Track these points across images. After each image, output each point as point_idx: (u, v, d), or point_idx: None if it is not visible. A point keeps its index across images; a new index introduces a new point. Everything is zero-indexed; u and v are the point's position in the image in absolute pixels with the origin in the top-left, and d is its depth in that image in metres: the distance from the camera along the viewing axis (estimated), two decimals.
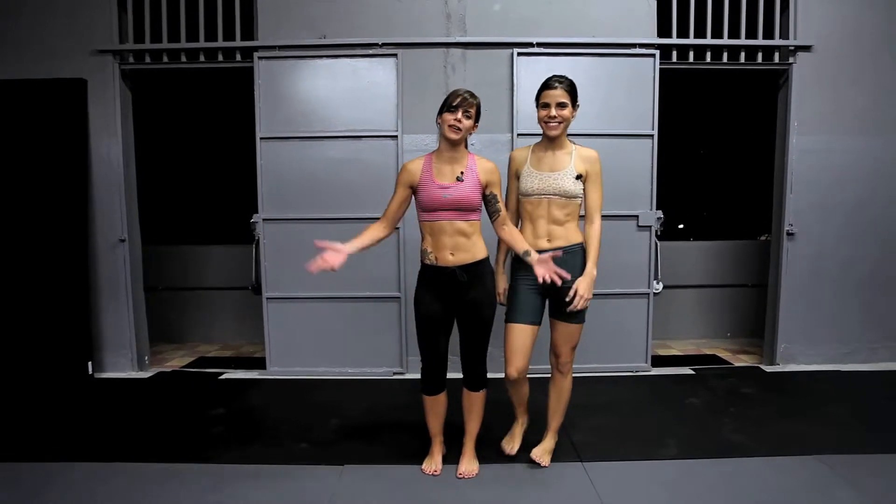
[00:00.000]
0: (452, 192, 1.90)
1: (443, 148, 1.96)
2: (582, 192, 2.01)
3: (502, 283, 2.17)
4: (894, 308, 3.43)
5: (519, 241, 1.97)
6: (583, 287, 1.95)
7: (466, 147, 2.03)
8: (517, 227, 2.10)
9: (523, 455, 2.18)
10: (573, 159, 2.01)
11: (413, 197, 2.02)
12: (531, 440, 2.21)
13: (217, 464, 2.17)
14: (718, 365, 3.56)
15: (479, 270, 1.96)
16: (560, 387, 2.14)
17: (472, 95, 1.92)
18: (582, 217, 2.06)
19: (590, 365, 3.27)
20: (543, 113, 1.99)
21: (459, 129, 1.89)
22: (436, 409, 2.08)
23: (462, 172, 1.93)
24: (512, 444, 2.20)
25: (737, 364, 3.57)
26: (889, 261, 3.41)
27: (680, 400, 2.86)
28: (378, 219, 2.05)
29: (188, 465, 2.16)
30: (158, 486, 1.99)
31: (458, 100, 1.88)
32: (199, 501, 1.89)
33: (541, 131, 3.11)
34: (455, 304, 1.98)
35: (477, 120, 1.96)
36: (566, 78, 2.01)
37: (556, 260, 1.89)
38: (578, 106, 2.04)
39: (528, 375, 2.13)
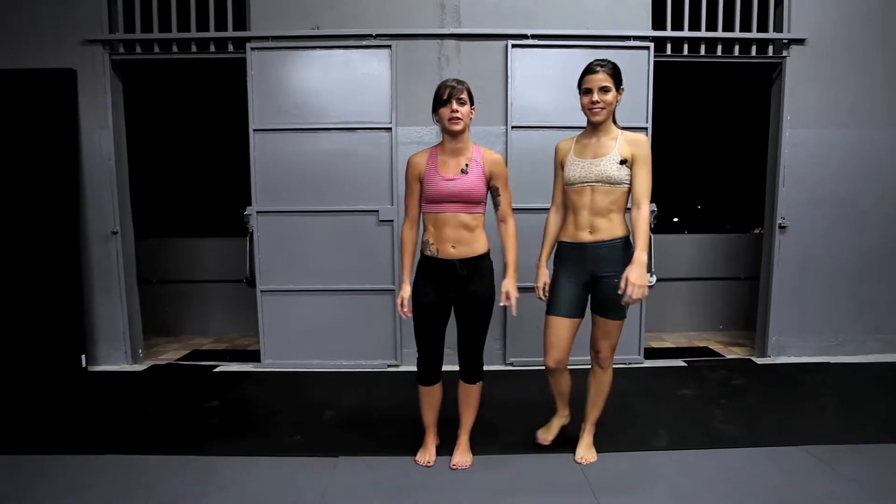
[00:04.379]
0: (457, 184, 1.90)
1: (446, 140, 1.95)
2: (627, 178, 1.92)
3: (542, 278, 2.11)
4: (883, 300, 3.47)
5: (509, 248, 1.99)
6: (633, 274, 1.81)
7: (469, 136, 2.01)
8: (565, 219, 2.07)
9: (517, 447, 2.21)
10: (618, 144, 1.93)
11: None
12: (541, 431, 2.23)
13: (211, 456, 2.17)
14: (710, 357, 3.59)
15: (479, 265, 1.96)
16: (599, 380, 2.12)
17: (459, 82, 1.90)
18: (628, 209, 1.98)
19: (584, 357, 3.29)
20: (586, 99, 1.92)
21: (459, 118, 1.87)
22: (431, 400, 2.08)
23: (467, 164, 1.92)
24: (546, 435, 2.22)
25: (728, 356, 3.60)
26: (879, 254, 3.44)
27: (672, 392, 2.89)
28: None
29: (182, 457, 2.16)
30: (153, 478, 1.99)
31: (448, 91, 1.86)
32: (194, 493, 1.90)
33: (534, 124, 3.19)
34: (454, 297, 1.99)
35: (472, 103, 1.94)
36: (609, 61, 1.92)
37: (595, 253, 1.94)
38: (623, 90, 1.95)
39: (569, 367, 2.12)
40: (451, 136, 1.92)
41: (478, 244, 1.96)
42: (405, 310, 1.98)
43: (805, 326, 3.47)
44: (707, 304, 4.33)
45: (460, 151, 1.94)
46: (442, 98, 1.87)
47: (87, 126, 3.26)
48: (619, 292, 1.84)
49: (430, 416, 2.12)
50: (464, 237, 1.92)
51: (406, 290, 1.98)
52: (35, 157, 3.17)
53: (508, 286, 1.95)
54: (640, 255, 1.84)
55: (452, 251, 1.93)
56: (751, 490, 1.90)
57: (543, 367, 2.18)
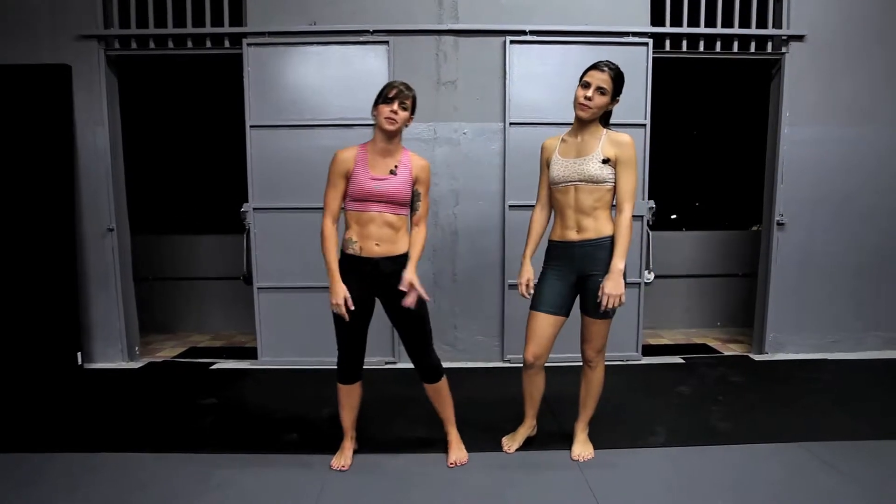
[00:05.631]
0: (385, 184, 1.89)
1: (378, 139, 1.94)
2: (611, 177, 1.92)
3: (526, 274, 2.07)
4: (880, 297, 3.48)
5: (416, 245, 1.96)
6: (609, 286, 1.86)
7: (400, 140, 2.01)
8: (550, 219, 2.09)
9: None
10: (601, 143, 1.92)
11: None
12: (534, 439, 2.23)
13: (208, 453, 2.17)
14: (708, 354, 3.59)
15: (402, 263, 1.94)
16: (590, 379, 2.11)
17: (408, 88, 1.90)
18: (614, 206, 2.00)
19: (575, 354, 3.28)
20: (581, 92, 1.90)
21: (395, 120, 1.87)
22: (350, 400, 2.06)
23: (396, 166, 1.92)
24: (511, 444, 2.19)
25: (726, 353, 3.61)
26: (877, 251, 3.44)
27: (669, 389, 2.89)
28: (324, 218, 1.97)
29: (179, 454, 2.16)
30: (150, 475, 1.99)
31: (394, 91, 1.87)
32: (190, 491, 1.89)
33: (533, 121, 3.18)
34: (382, 300, 1.98)
35: (413, 111, 1.94)
36: (617, 67, 1.91)
37: (582, 251, 1.94)
38: (618, 101, 1.95)
39: (553, 364, 2.09)
40: (385, 135, 1.91)
41: (401, 243, 1.95)
42: (345, 309, 1.89)
43: (803, 323, 3.47)
44: (705, 300, 4.34)
45: (390, 153, 1.94)
46: (387, 96, 1.87)
47: (82, 122, 3.24)
48: (598, 301, 1.90)
49: (348, 417, 2.08)
50: (388, 235, 1.91)
51: (341, 289, 1.89)
52: (30, 154, 3.14)
53: (410, 276, 1.89)
54: (617, 263, 1.88)
55: (376, 249, 1.91)
56: (748, 486, 1.90)
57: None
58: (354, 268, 1.93)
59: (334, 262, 1.93)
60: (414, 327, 2.00)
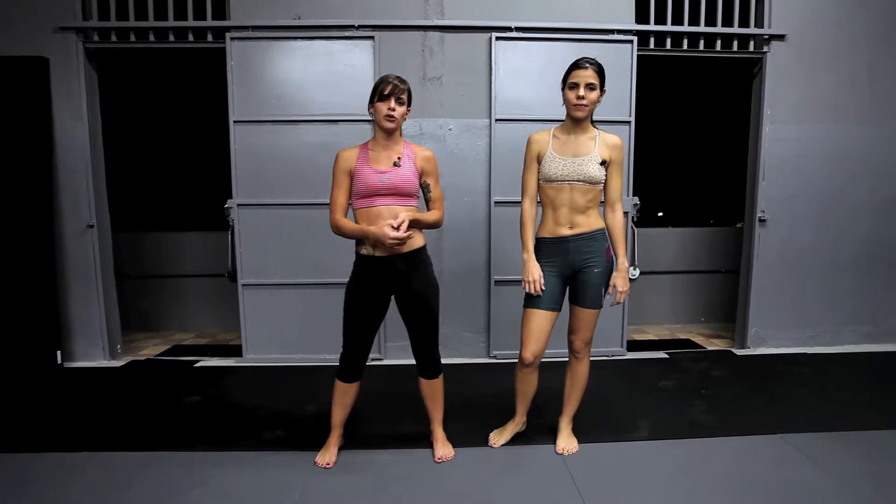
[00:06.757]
0: (390, 176, 1.87)
1: (378, 137, 1.93)
2: (604, 177, 1.98)
3: (537, 270, 1.98)
4: (858, 293, 3.55)
5: (425, 214, 1.95)
6: (620, 282, 2.01)
7: (401, 134, 2.00)
8: (537, 213, 2.08)
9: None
10: (597, 144, 1.97)
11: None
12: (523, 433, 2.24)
13: (192, 451, 2.14)
14: (692, 349, 3.63)
15: (417, 259, 1.94)
16: (576, 372, 2.14)
17: (402, 81, 1.89)
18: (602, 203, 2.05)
19: (562, 350, 3.31)
20: (572, 94, 1.92)
21: (394, 117, 1.87)
22: (346, 398, 2.05)
23: (399, 158, 1.91)
24: (498, 439, 2.19)
25: (709, 348, 3.65)
26: (855, 247, 3.51)
27: (653, 383, 2.92)
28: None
29: (163, 453, 2.13)
30: (133, 474, 1.96)
31: (390, 88, 1.85)
32: (175, 489, 1.87)
33: (518, 117, 3.18)
34: (396, 297, 1.97)
35: (409, 104, 1.93)
36: (596, 60, 1.94)
37: (576, 245, 1.98)
38: (605, 92, 1.98)
39: (544, 360, 2.11)
40: (384, 132, 1.91)
41: (414, 238, 1.90)
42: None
43: (784, 318, 3.53)
44: (689, 296, 4.39)
45: (391, 147, 1.93)
46: (383, 93, 1.86)
47: (61, 116, 3.17)
48: (608, 295, 2.05)
49: (339, 414, 2.08)
50: None
51: (376, 229, 1.81)
52: (6, 149, 3.06)
53: (405, 215, 1.83)
54: (623, 262, 2.02)
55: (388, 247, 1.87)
56: (730, 477, 1.93)
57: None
58: (370, 268, 1.90)
59: (356, 225, 1.88)
60: (426, 323, 1.99)
